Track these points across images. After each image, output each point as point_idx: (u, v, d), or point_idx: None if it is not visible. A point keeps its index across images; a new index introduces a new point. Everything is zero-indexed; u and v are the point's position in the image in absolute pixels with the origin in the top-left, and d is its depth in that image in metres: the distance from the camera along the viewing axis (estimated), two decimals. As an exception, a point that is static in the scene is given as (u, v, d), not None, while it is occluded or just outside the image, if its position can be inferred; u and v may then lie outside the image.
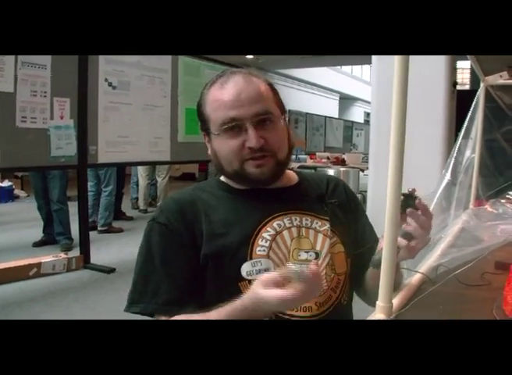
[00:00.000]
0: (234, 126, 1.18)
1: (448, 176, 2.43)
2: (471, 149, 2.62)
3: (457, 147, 2.54)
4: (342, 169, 7.62)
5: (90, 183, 5.97)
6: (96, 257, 4.80)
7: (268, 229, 1.20)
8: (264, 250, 1.18)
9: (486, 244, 1.75)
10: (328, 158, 9.29)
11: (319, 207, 1.29)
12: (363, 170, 7.97)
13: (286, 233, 1.21)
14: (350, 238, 1.30)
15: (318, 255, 1.22)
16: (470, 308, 1.17)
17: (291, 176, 1.35)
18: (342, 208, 1.34)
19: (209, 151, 1.29)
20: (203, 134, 1.30)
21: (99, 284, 4.20)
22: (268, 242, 1.19)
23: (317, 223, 1.26)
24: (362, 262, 1.27)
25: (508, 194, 2.59)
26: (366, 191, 4.70)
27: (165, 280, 1.16)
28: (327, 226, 1.26)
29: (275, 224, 1.21)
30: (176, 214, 1.21)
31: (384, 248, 0.89)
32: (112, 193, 6.23)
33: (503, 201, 2.59)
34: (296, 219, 1.24)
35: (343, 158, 9.01)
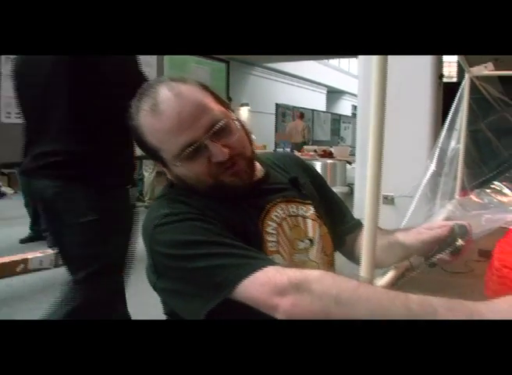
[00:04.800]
0: (192, 151, 1.06)
1: (433, 166, 2.44)
2: (456, 140, 2.64)
3: (442, 137, 2.56)
4: (329, 161, 7.64)
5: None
6: (84, 252, 4.77)
7: (269, 222, 1.15)
8: (274, 245, 1.13)
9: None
10: (315, 151, 9.28)
11: (297, 192, 1.26)
12: (350, 163, 7.99)
13: (285, 224, 1.17)
14: (327, 214, 1.31)
15: (312, 242, 1.20)
16: (452, 295, 1.17)
17: (257, 166, 1.24)
18: (313, 185, 1.34)
19: (169, 176, 1.17)
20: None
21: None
22: (275, 236, 1.14)
23: (302, 208, 1.23)
24: (342, 230, 1.35)
25: (493, 184, 2.60)
26: (353, 184, 4.71)
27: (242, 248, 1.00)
28: (312, 210, 1.24)
29: (272, 216, 1.16)
30: (196, 209, 1.07)
31: (365, 232, 0.89)
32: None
33: (488, 191, 2.61)
34: (285, 208, 1.20)
35: (331, 152, 9.01)
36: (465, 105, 2.71)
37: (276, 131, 14.49)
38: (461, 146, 2.66)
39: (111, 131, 1.95)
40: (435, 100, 4.83)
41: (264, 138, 12.17)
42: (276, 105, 14.79)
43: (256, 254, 1.00)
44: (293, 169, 1.34)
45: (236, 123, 1.14)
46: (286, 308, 0.88)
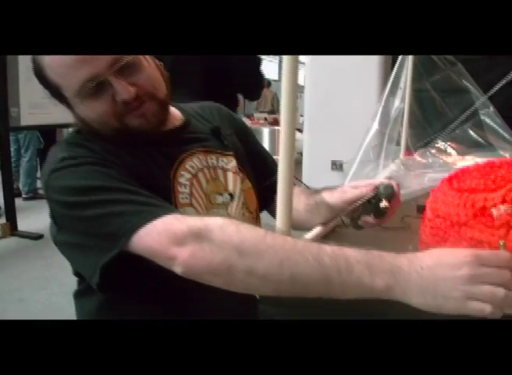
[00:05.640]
0: (95, 87, 0.96)
1: (376, 125, 2.37)
2: (400, 99, 2.56)
3: (385, 96, 2.48)
4: (277, 127, 7.57)
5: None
6: (25, 225, 4.62)
7: (183, 173, 1.06)
8: (186, 197, 1.04)
9: (410, 190, 1.70)
10: (265, 119, 9.18)
11: (219, 142, 1.17)
12: (301, 131, 7.91)
13: (201, 175, 1.08)
14: (253, 169, 1.22)
15: (232, 197, 1.11)
16: (384, 249, 1.10)
17: (176, 114, 1.18)
18: (237, 136, 1.24)
19: (75, 119, 1.06)
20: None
21: (26, 252, 4.05)
22: (188, 188, 1.05)
23: (222, 160, 1.14)
24: (268, 186, 1.20)
25: (437, 144, 2.55)
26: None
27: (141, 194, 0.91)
28: (234, 162, 1.15)
29: (187, 166, 1.07)
30: (98, 154, 0.97)
31: (279, 181, 0.82)
32: (33, 158, 5.96)
33: (432, 151, 2.56)
34: (203, 159, 1.11)
35: (281, 120, 8.92)
36: (410, 63, 2.63)
37: (227, 99, 14.35)
38: (406, 105, 2.58)
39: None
40: (384, 64, 4.78)
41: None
42: (228, 73, 14.61)
43: (158, 202, 0.91)
44: (217, 119, 1.25)
45: (149, 60, 1.04)
46: (183, 259, 0.79)
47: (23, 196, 5.83)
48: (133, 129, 1.02)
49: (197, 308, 1.03)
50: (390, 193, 1.11)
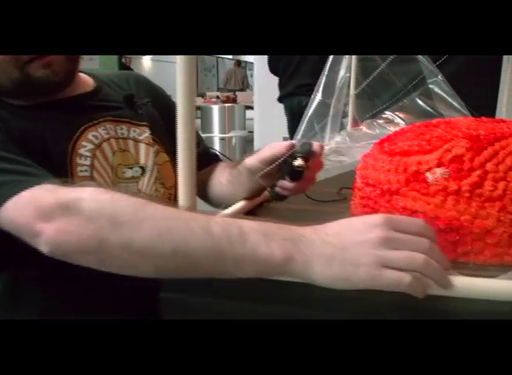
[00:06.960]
0: None
1: (319, 96, 2.27)
2: (346, 68, 2.46)
3: (329, 65, 2.38)
4: (227, 105, 7.48)
5: None
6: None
7: (84, 143, 0.96)
8: (86, 170, 0.95)
9: (353, 160, 1.60)
10: (217, 97, 9.02)
11: (132, 111, 1.07)
12: (253, 108, 7.82)
13: (106, 146, 0.99)
14: (171, 141, 1.12)
15: (144, 170, 1.03)
16: (318, 223, 0.99)
17: (86, 80, 1.09)
18: (155, 106, 1.15)
19: None
20: None
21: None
22: (89, 160, 0.95)
23: (134, 131, 1.05)
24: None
25: (385, 114, 2.46)
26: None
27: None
28: (147, 133, 1.06)
29: (90, 136, 0.97)
30: None
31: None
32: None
33: (380, 121, 2.46)
34: (111, 129, 1.01)
35: (234, 98, 8.79)
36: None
37: (181, 79, 14.36)
38: (352, 75, 2.48)
39: None
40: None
41: (168, 87, 12.03)
42: (180, 53, 14.53)
43: (37, 171, 0.80)
44: (133, 87, 1.15)
45: None
46: (49, 235, 0.67)
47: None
48: (37, 80, 0.93)
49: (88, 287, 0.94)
50: (307, 150, 0.95)
